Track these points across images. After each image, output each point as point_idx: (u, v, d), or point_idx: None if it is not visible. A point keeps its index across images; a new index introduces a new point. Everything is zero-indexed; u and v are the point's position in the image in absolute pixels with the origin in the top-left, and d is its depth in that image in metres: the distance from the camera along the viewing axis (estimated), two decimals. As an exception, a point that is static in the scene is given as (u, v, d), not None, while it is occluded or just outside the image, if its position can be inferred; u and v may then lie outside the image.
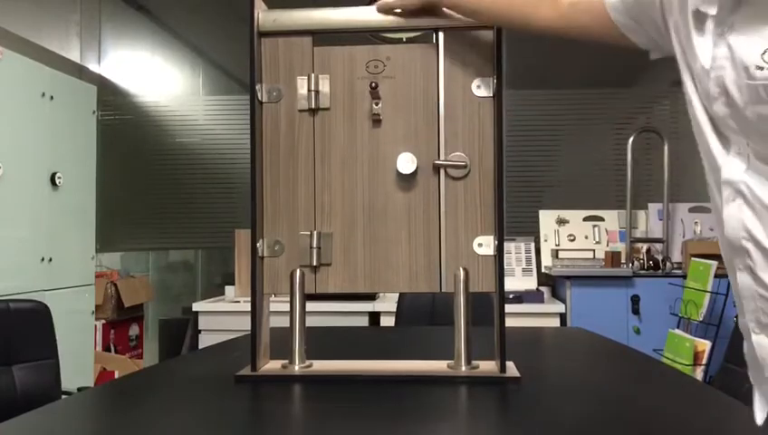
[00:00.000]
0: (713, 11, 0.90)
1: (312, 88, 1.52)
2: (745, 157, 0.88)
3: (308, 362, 1.50)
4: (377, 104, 1.49)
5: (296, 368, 1.48)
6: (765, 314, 0.88)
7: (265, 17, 1.53)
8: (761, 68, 0.83)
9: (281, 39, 1.53)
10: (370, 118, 1.51)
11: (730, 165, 0.90)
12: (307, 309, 1.52)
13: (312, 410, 1.31)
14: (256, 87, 1.51)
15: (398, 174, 1.50)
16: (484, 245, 1.49)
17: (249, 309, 1.49)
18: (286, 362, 1.50)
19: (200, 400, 1.34)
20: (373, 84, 1.45)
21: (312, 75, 1.52)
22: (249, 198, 1.49)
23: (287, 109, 1.53)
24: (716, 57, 0.89)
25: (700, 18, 0.93)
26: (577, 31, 1.23)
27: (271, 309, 1.57)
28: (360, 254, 1.51)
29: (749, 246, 0.88)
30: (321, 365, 1.50)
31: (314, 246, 1.51)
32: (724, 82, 0.87)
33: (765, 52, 0.83)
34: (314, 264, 1.51)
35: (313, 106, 1.52)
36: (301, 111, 1.52)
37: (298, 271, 1.50)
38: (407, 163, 1.49)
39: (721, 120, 0.90)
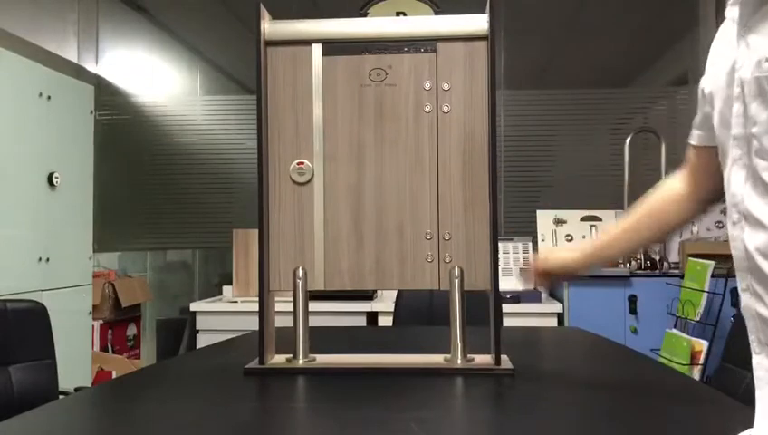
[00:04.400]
0: (735, 14, 0.93)
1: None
2: (745, 167, 0.89)
3: (311, 356, 1.57)
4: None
5: (300, 362, 1.54)
6: (764, 334, 0.89)
7: (272, 28, 1.57)
8: None
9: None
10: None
11: (735, 179, 0.91)
12: (304, 309, 1.56)
13: (317, 400, 1.34)
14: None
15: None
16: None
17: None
18: (290, 356, 1.56)
19: (206, 394, 1.35)
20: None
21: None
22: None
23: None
24: (737, 58, 0.91)
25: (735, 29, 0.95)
26: (707, 201, 1.22)
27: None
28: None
29: (748, 266, 0.90)
30: (325, 359, 1.57)
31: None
32: (743, 79, 0.89)
33: None
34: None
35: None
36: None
37: (301, 269, 1.53)
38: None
39: (735, 129, 0.91)
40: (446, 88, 1.55)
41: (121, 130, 4.09)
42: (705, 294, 3.01)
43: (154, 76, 4.27)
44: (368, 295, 3.48)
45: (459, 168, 1.54)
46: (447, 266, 1.53)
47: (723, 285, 2.97)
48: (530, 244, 3.74)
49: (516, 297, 3.38)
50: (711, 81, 1.00)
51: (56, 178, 3.08)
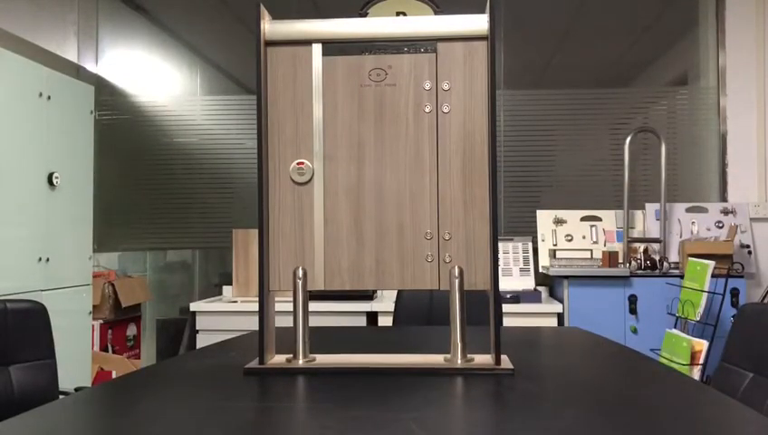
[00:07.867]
0: None
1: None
2: None
3: (311, 356, 1.58)
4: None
5: (300, 362, 1.55)
6: None
7: (272, 28, 1.57)
8: None
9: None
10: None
11: None
12: (304, 309, 1.56)
13: (317, 400, 1.33)
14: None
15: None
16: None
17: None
18: (291, 356, 1.57)
19: (206, 394, 1.34)
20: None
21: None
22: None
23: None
24: None
25: None
26: None
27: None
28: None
29: None
30: (325, 359, 1.58)
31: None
32: None
33: None
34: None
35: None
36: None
37: (300, 269, 1.54)
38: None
39: None
40: (446, 88, 1.55)
41: (121, 130, 4.09)
42: (705, 294, 3.01)
43: (154, 76, 4.27)
44: (368, 295, 3.48)
45: (459, 168, 1.55)
46: (447, 266, 1.53)
47: (723, 284, 2.97)
48: (530, 244, 3.74)
49: (516, 297, 3.38)
50: None
51: (56, 178, 3.08)
